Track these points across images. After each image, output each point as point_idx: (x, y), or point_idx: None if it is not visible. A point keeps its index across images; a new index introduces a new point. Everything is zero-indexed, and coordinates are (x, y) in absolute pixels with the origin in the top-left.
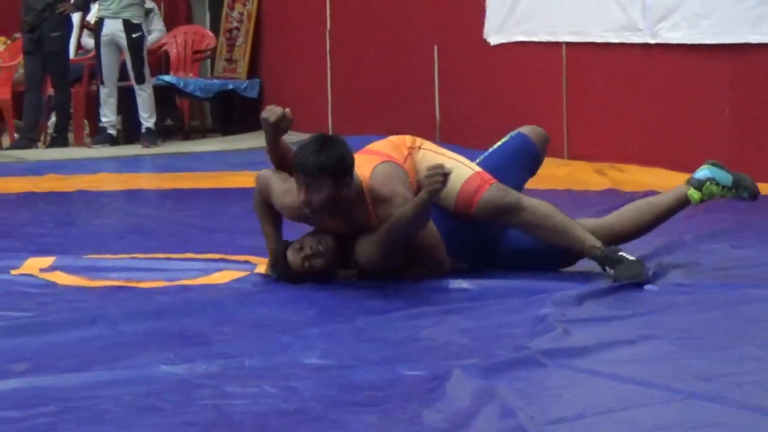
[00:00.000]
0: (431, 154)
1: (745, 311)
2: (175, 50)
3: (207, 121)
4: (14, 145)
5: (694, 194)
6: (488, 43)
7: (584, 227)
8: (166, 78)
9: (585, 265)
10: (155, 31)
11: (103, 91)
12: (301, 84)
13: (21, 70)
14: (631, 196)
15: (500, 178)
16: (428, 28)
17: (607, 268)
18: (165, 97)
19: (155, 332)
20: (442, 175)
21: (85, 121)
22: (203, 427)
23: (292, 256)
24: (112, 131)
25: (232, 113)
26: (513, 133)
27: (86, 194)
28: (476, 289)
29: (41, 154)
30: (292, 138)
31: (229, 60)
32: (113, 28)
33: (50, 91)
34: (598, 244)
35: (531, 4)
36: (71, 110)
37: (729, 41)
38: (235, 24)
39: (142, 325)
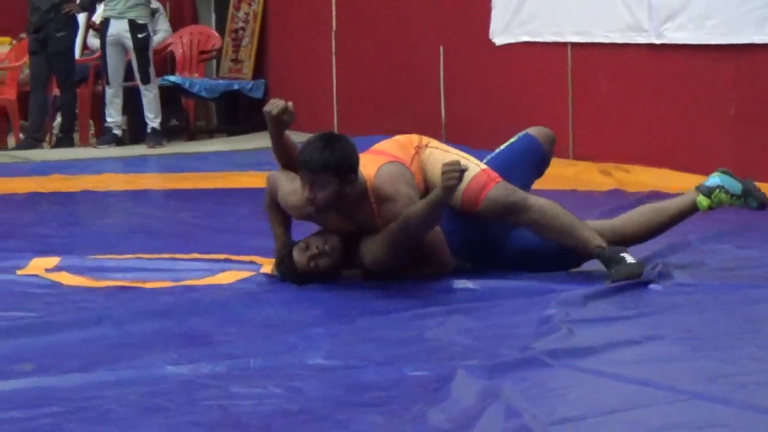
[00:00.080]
0: (438, 152)
1: (750, 312)
2: (180, 50)
3: (212, 122)
4: (20, 146)
5: (702, 201)
6: (493, 44)
7: (591, 228)
8: (172, 78)
9: (589, 265)
10: (161, 32)
11: (109, 92)
12: (307, 84)
13: (26, 71)
14: (637, 197)
15: (507, 179)
16: (433, 28)
17: (608, 267)
18: (170, 97)
19: (160, 332)
20: (458, 171)
21: (91, 122)
22: (208, 428)
23: (297, 255)
24: (117, 131)
25: (238, 113)
26: (520, 134)
27: (91, 194)
28: (481, 290)
29: (46, 154)
30: (298, 138)
31: (235, 60)
32: (119, 28)
33: (56, 91)
34: (604, 244)
35: (536, 4)
36: (77, 110)
37: (734, 42)
38: (241, 24)
39: (147, 325)
